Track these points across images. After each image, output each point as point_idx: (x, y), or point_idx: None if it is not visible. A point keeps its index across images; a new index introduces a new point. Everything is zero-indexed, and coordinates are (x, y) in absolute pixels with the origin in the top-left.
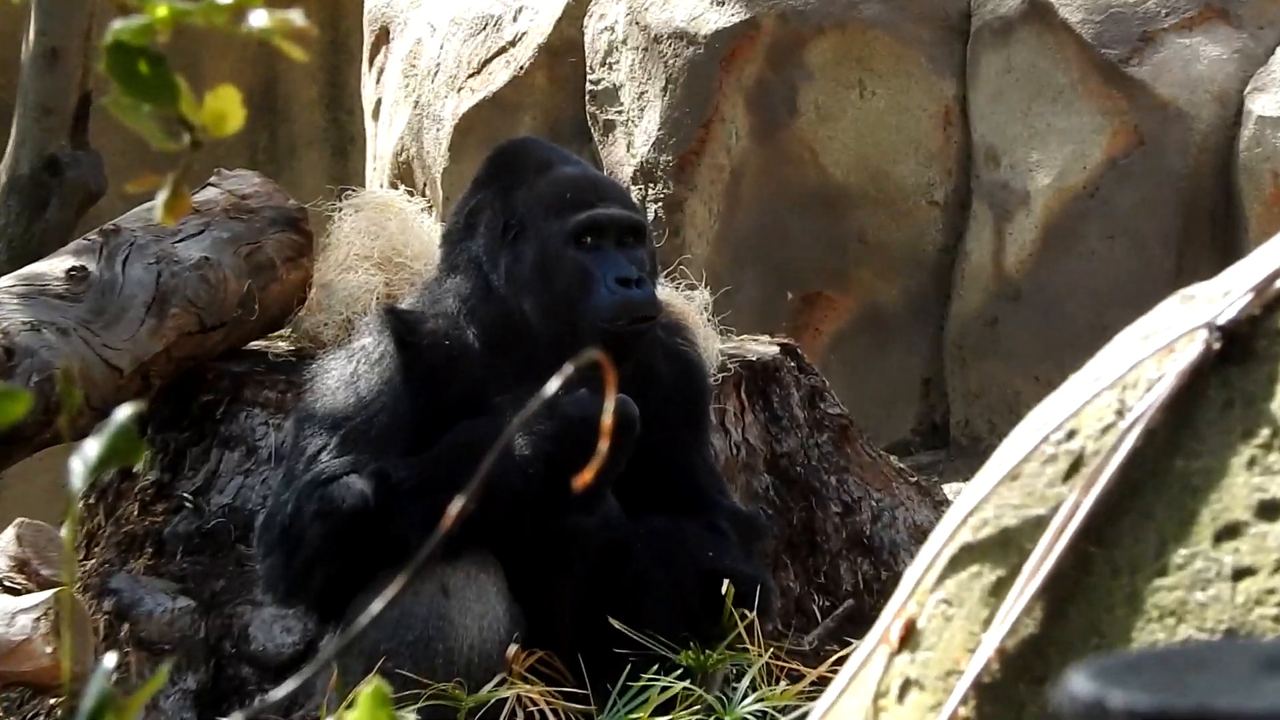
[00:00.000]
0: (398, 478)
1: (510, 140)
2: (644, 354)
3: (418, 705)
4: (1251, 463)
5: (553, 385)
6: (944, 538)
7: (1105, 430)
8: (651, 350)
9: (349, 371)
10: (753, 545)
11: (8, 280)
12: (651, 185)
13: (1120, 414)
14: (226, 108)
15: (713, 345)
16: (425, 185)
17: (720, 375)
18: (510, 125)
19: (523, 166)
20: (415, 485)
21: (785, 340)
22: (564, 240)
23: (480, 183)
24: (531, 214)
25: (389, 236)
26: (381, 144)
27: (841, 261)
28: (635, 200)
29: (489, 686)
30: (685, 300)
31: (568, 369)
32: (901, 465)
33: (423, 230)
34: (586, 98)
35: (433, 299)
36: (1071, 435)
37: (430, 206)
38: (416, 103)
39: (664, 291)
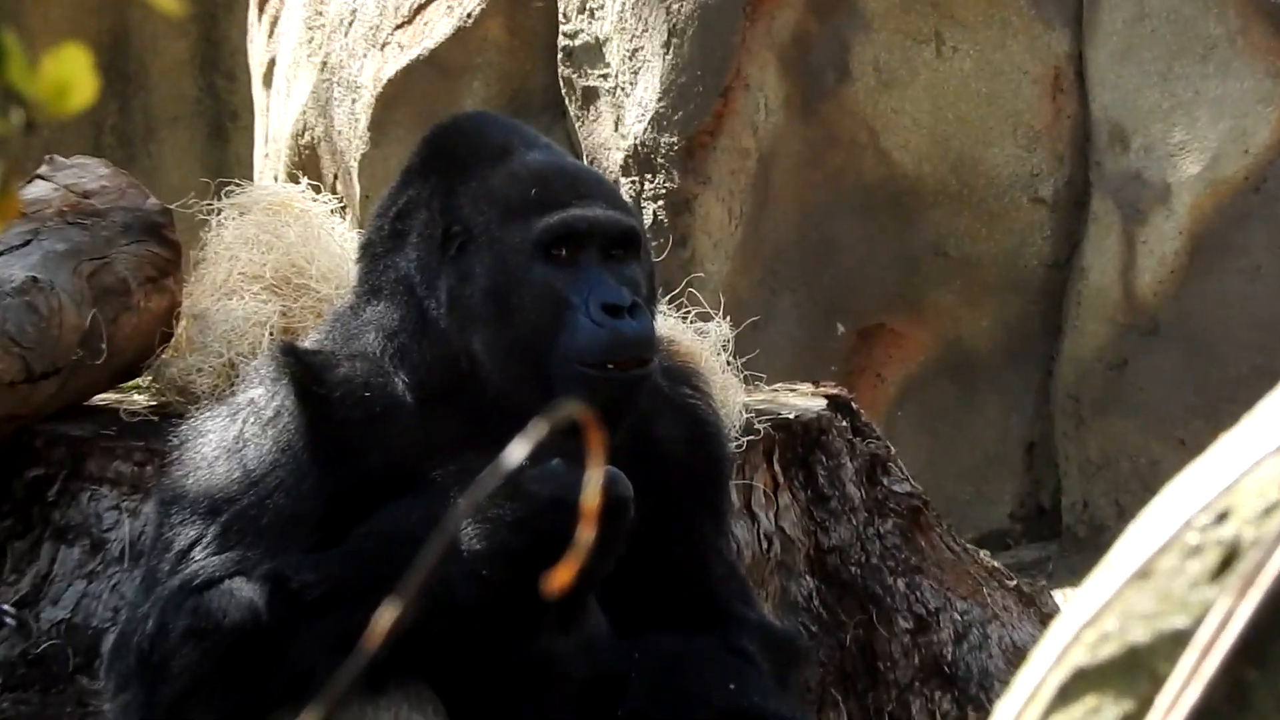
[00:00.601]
0: (300, 583)
1: (453, 116)
2: (640, 411)
3: None
4: None
5: (514, 453)
6: (1051, 660)
7: (1269, 511)
8: (650, 406)
9: (232, 435)
10: (789, 675)
11: None
12: (649, 177)
13: None
14: (72, 74)
15: (735, 398)
16: (337, 177)
17: (745, 439)
18: (452, 95)
19: (471, 152)
20: (324, 593)
21: (835, 391)
22: (529, 253)
23: (412, 174)
24: (483, 217)
25: (286, 248)
26: (276, 121)
27: (912, 282)
28: (626, 198)
29: None
30: (696, 336)
31: (535, 430)
32: (996, 563)
33: (333, 240)
34: (559, 57)
35: (347, 334)
36: (1223, 518)
37: (343, 206)
38: (324, 64)
39: (666, 324)
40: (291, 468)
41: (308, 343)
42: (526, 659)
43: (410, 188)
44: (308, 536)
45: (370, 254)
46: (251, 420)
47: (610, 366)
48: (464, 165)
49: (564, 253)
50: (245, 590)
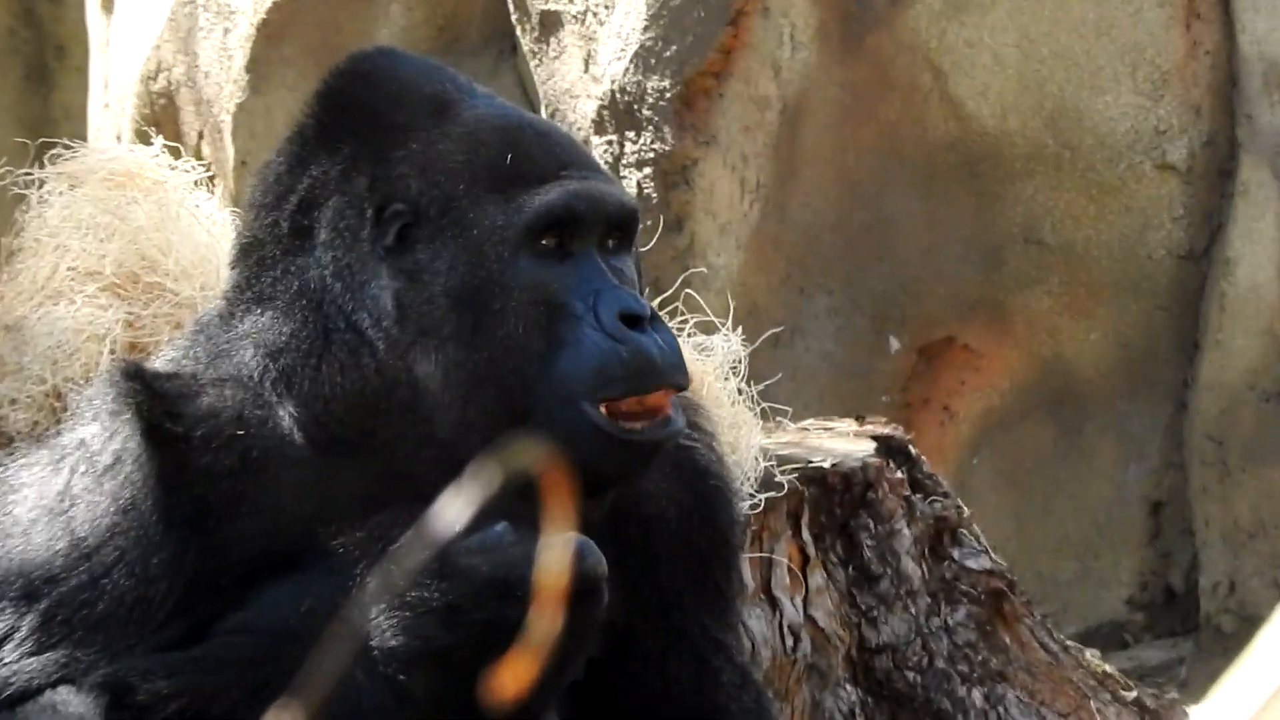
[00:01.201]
0: (150, 694)
1: (351, 59)
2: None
3: None
4: None
5: (445, 514)
6: None
7: None
8: None
9: (56, 490)
10: None
11: None
12: (631, 136)
13: None
14: None
15: (749, 439)
16: (203, 136)
17: (763, 497)
18: (361, 25)
19: (394, 104)
20: (183, 709)
21: (887, 430)
22: (514, 241)
23: (311, 144)
24: (438, 192)
25: (133, 235)
26: (119, 59)
27: (994, 280)
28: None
29: None
30: (696, 355)
31: (477, 480)
32: (1108, 668)
33: (196, 222)
34: None
35: (214, 352)
36: None
37: (212, 176)
38: None
39: None
40: (137, 535)
41: (160, 363)
42: None
43: (311, 163)
44: (159, 630)
45: (256, 258)
46: (83, 469)
47: (633, 403)
48: (391, 123)
49: (556, 242)
50: (74, 704)
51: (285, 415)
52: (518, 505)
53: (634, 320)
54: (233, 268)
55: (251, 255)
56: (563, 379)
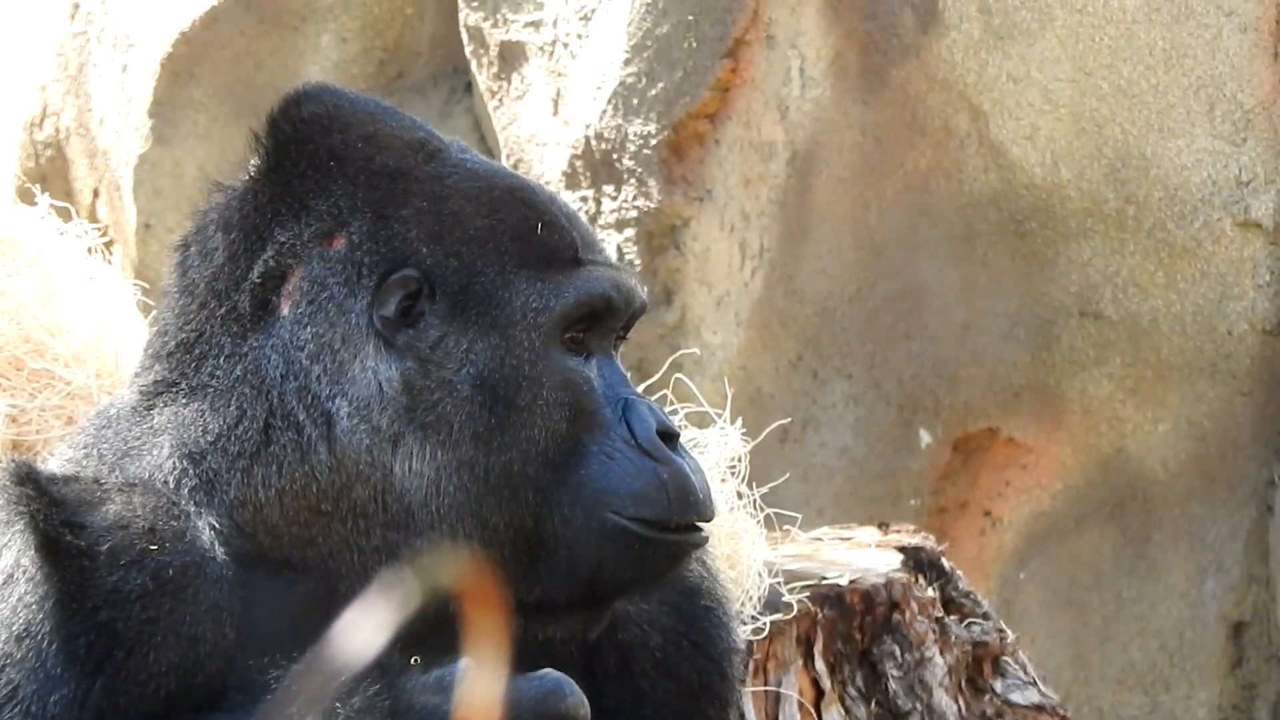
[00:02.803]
0: None
1: (303, 93)
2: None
3: None
4: None
5: (359, 630)
6: None
7: None
8: None
9: None
10: None
11: None
12: (610, 191)
13: None
14: None
15: (750, 552)
16: (98, 194)
17: (769, 620)
18: (285, 58)
19: (383, 148)
20: None
21: (915, 540)
22: (549, 330)
23: (274, 195)
24: (458, 262)
25: (15, 312)
26: None
27: (1044, 360)
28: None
29: None
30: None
31: (387, 595)
32: None
33: (92, 298)
34: None
35: (121, 450)
36: None
37: (108, 241)
38: (77, 6)
39: None
40: (31, 668)
41: (55, 464)
42: None
43: (275, 227)
44: None
45: (198, 348)
46: None
47: (670, 531)
48: (381, 170)
49: (581, 336)
50: None
51: (205, 527)
52: (431, 628)
53: (670, 439)
54: (150, 369)
55: (190, 351)
56: (591, 488)
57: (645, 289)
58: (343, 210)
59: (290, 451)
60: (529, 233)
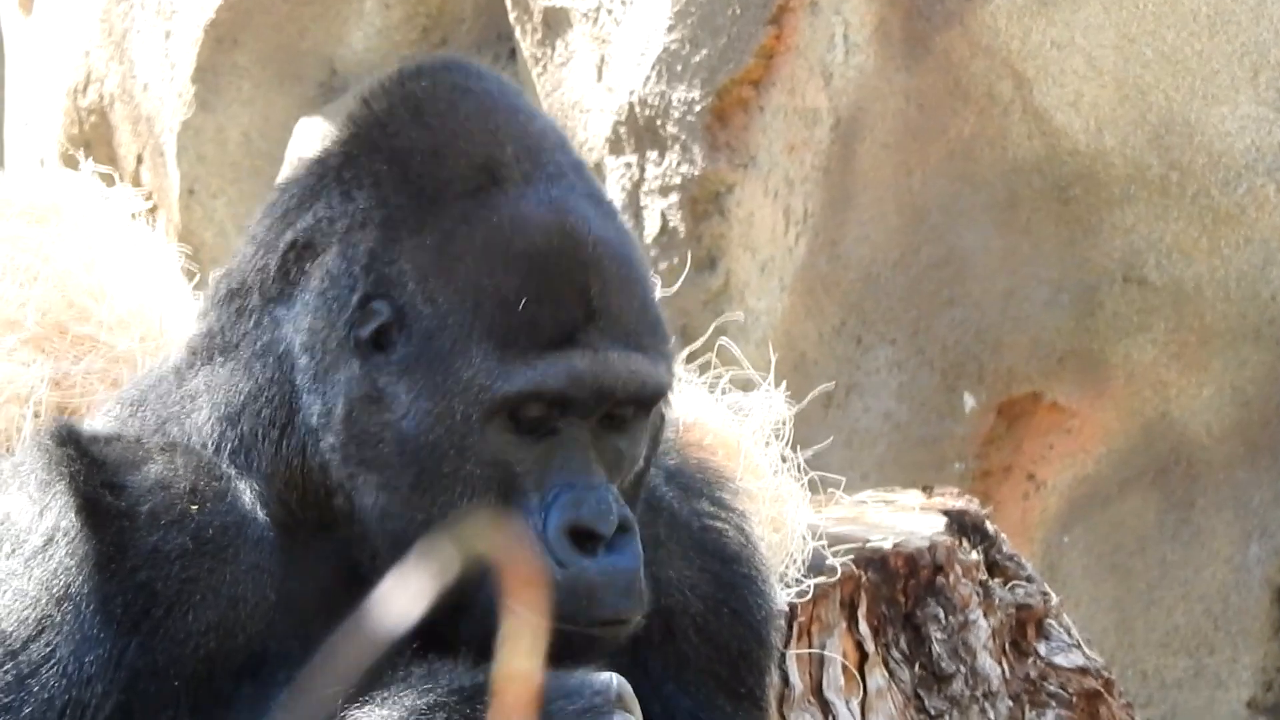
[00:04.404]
0: None
1: (424, 66)
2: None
3: None
4: None
5: (394, 601)
6: None
7: None
8: (651, 531)
9: None
10: None
11: None
12: (653, 158)
13: None
14: None
15: (794, 516)
16: (142, 159)
17: (812, 583)
18: (328, 24)
19: (439, 164)
20: None
21: (959, 504)
22: (488, 406)
23: (331, 175)
24: (430, 309)
25: (59, 278)
26: (41, 67)
27: (1088, 326)
28: (654, 288)
29: None
30: (730, 416)
31: (422, 564)
32: None
33: (136, 261)
34: None
35: (163, 413)
36: None
37: (153, 207)
38: None
39: (684, 398)
40: (70, 629)
41: (100, 422)
42: None
43: (321, 199)
44: None
45: (237, 307)
46: (7, 550)
47: (576, 625)
48: (420, 190)
49: (541, 416)
50: None
51: (245, 489)
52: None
53: (588, 540)
54: (206, 315)
55: (233, 302)
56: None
57: (656, 375)
58: (372, 214)
59: (301, 446)
60: (512, 303)
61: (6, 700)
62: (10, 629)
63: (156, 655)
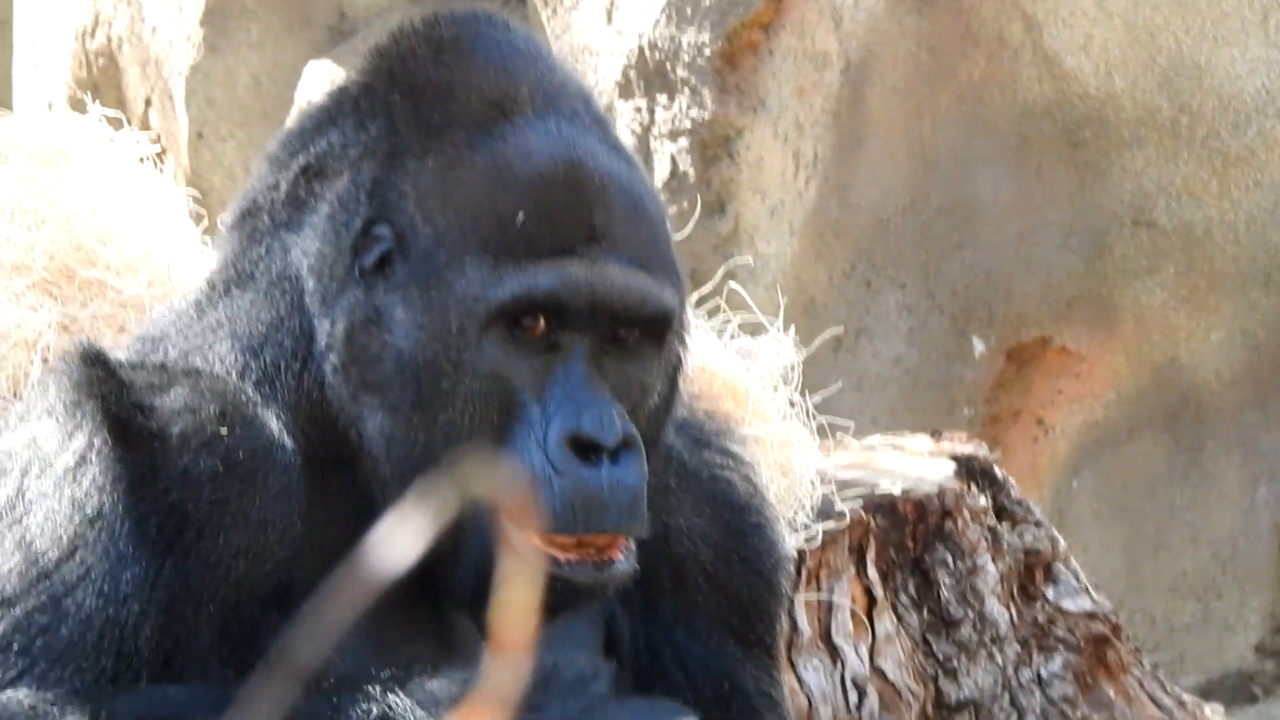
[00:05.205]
0: None
1: (452, 16)
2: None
3: None
4: None
5: (394, 541)
6: None
7: None
8: (661, 480)
9: (5, 497)
10: None
11: None
12: (663, 101)
13: None
14: None
15: (802, 461)
16: (150, 102)
17: (821, 528)
18: None
19: (449, 98)
20: None
21: (968, 449)
22: (483, 318)
23: (348, 105)
24: (429, 230)
25: (67, 221)
26: (48, 13)
27: (1097, 270)
28: (669, 227)
29: None
30: (739, 361)
31: (421, 503)
32: None
33: (144, 207)
34: None
35: (187, 342)
36: None
37: (162, 151)
38: None
39: (698, 346)
40: (104, 548)
41: (123, 353)
42: None
43: (337, 124)
44: (132, 665)
45: (250, 228)
46: (36, 472)
47: (560, 545)
48: (427, 120)
49: (540, 327)
50: None
51: (272, 416)
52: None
53: (588, 450)
54: (222, 241)
55: (246, 224)
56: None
57: (659, 293)
58: (380, 141)
59: (315, 377)
60: (509, 218)
61: (43, 620)
62: (43, 549)
63: (190, 578)
